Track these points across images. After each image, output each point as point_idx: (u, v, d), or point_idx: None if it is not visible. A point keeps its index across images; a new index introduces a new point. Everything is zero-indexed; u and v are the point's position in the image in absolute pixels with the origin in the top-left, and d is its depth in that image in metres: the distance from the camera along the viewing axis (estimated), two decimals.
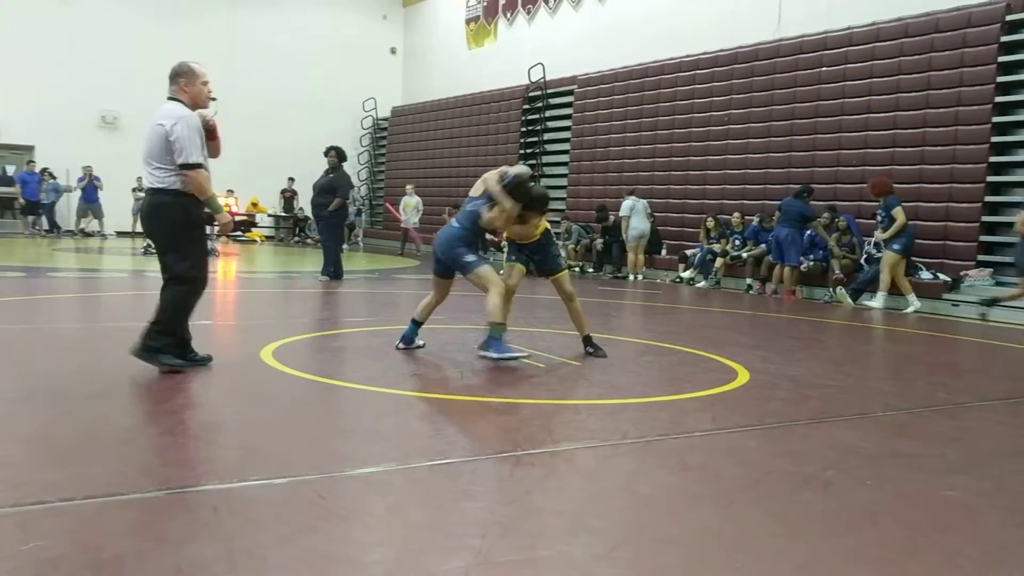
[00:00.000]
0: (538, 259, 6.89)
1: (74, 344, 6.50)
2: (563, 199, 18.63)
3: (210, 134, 5.70)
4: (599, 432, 4.45)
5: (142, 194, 23.00)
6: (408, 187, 21.93)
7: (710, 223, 14.51)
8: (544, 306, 10.91)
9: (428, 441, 4.17)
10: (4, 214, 22.69)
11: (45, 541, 2.74)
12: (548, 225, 6.93)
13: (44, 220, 21.58)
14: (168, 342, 5.48)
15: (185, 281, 5.48)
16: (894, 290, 11.60)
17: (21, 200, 21.23)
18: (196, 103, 5.54)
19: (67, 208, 21.89)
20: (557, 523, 3.12)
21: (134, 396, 5.01)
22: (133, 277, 13.57)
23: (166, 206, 5.39)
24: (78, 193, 21.64)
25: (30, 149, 21.87)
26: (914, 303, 11.40)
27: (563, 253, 16.36)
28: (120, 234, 22.42)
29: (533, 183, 6.66)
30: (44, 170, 21.10)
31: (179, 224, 5.42)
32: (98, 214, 21.97)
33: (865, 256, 12.41)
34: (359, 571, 2.68)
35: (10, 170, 22.36)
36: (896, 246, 11.53)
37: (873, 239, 12.23)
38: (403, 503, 3.29)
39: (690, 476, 3.78)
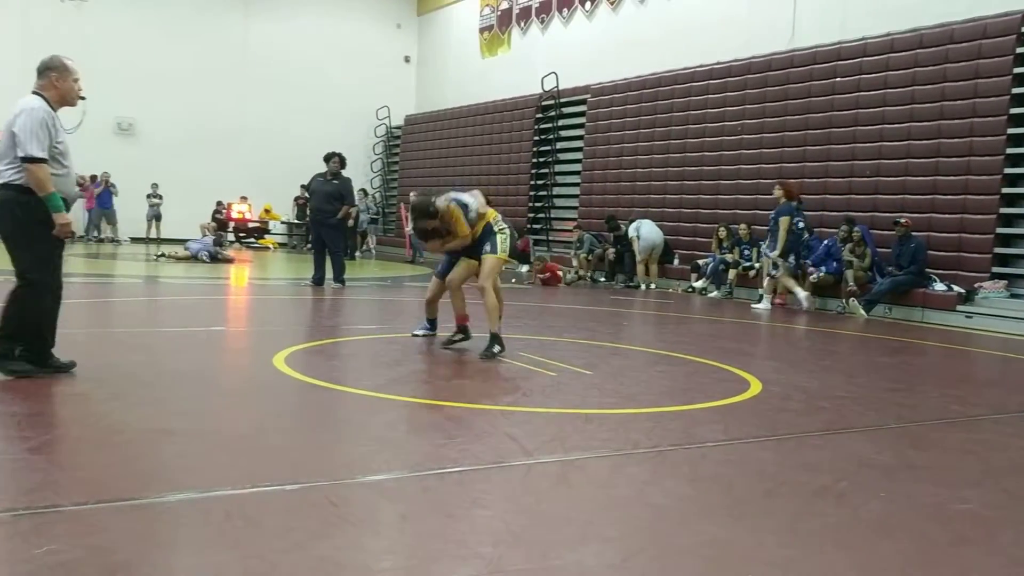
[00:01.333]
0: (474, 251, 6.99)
1: (85, 348, 6.53)
2: (575, 208, 18.63)
3: None
4: (611, 441, 4.44)
5: (157, 200, 23.10)
6: (411, 194, 21.94)
7: (722, 233, 14.47)
8: (555, 315, 10.92)
9: (439, 449, 4.16)
10: None
11: (58, 545, 2.75)
12: (493, 221, 7.00)
13: None
14: (17, 348, 5.16)
15: (28, 284, 5.16)
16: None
17: None
18: (64, 100, 5.27)
19: (80, 213, 22.00)
20: (569, 532, 3.11)
21: (142, 401, 5.03)
22: (146, 283, 13.65)
23: (9, 202, 5.06)
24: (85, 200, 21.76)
25: None
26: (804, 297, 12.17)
27: (575, 262, 16.36)
28: (135, 240, 22.54)
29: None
30: None
31: (20, 222, 5.06)
32: (112, 220, 22.10)
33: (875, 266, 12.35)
34: None
35: None
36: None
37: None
38: (414, 511, 3.29)
39: (702, 486, 3.77)
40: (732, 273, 14.03)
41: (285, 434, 4.44)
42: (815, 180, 13.74)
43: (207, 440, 4.19)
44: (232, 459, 3.87)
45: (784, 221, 12.18)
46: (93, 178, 20.62)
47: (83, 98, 5.42)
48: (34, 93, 5.21)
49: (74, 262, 16.31)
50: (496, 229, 6.95)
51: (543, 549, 2.94)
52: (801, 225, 12.42)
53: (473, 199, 7.05)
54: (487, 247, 6.91)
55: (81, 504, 3.12)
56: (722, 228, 14.51)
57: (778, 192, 12.45)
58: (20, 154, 4.96)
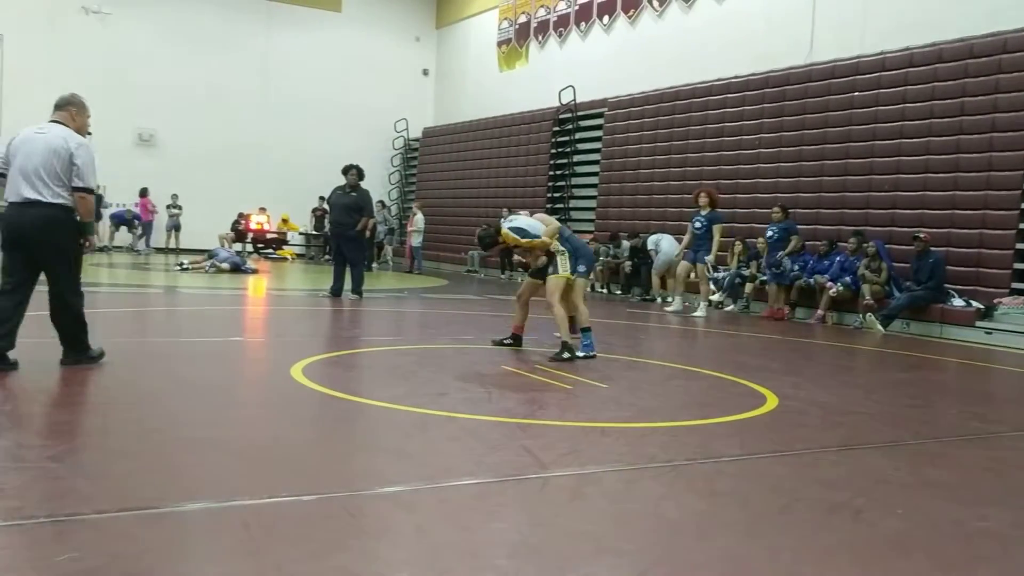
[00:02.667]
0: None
1: (111, 358, 6.59)
2: (592, 221, 18.65)
3: None
4: (627, 455, 4.44)
5: (176, 210, 23.32)
6: (414, 205, 22.19)
7: (738, 247, 14.44)
8: None
9: (456, 461, 4.18)
10: None
11: (79, 552, 2.79)
12: (558, 251, 7.71)
13: None
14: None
15: (78, 295, 5.98)
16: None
17: None
18: (80, 133, 5.94)
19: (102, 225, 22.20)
20: (584, 546, 3.12)
21: (163, 411, 5.07)
22: (166, 293, 13.75)
23: (69, 221, 5.80)
24: (113, 209, 22.02)
25: None
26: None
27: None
28: (157, 250, 22.72)
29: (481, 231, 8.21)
30: None
31: (74, 239, 5.87)
32: (134, 229, 22.37)
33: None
34: None
35: None
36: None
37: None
38: (431, 522, 3.30)
39: (718, 501, 3.76)
40: (749, 287, 14.00)
41: (303, 445, 4.47)
42: (833, 194, 13.71)
43: (226, 450, 4.22)
44: (251, 469, 3.90)
45: (718, 228, 12.68)
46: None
47: (90, 134, 6.16)
48: (56, 122, 5.90)
49: (98, 272, 16.46)
50: (557, 251, 7.66)
51: (558, 562, 2.95)
52: (698, 225, 12.90)
53: (532, 223, 7.82)
54: (551, 269, 7.67)
55: (102, 512, 3.15)
56: (739, 242, 14.49)
57: (705, 200, 12.86)
58: (80, 184, 5.75)
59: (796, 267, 13.19)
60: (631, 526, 3.40)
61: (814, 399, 6.45)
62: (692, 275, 13.13)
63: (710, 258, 12.84)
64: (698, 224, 12.87)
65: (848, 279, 12.46)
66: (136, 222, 22.50)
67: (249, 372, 6.91)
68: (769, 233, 13.36)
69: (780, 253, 13.09)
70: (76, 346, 6.02)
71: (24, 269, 5.76)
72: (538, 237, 7.64)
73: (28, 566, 2.69)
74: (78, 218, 5.81)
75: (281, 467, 3.93)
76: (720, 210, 13.14)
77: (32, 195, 5.67)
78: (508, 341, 8.00)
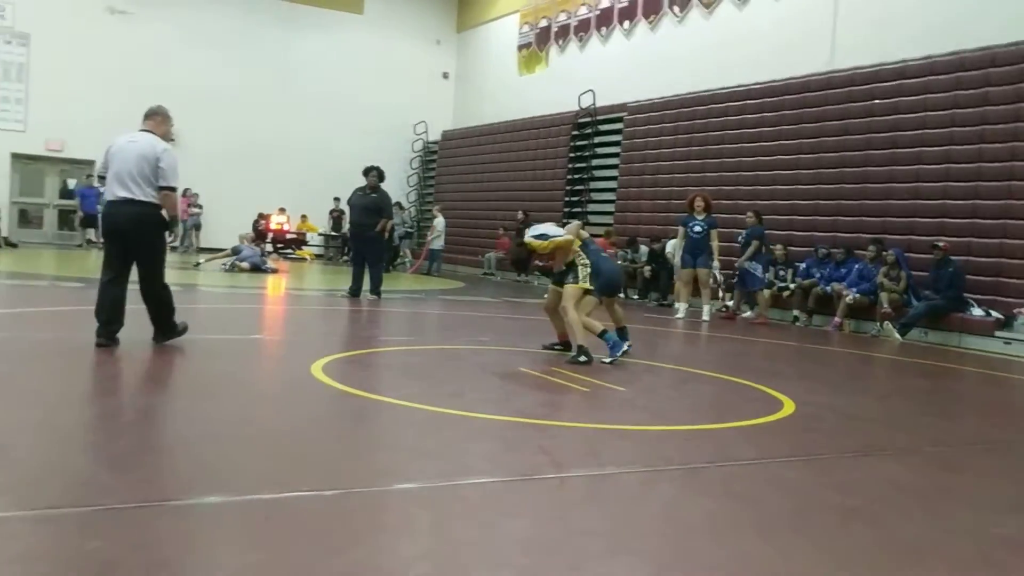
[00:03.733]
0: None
1: (122, 353, 6.67)
2: (610, 225, 18.62)
3: None
4: (643, 457, 4.47)
5: (197, 210, 23.52)
6: (435, 208, 22.30)
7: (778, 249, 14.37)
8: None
9: (473, 460, 4.22)
10: (64, 227, 23.31)
11: (103, 542, 2.84)
12: (580, 262, 7.73)
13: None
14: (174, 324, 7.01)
15: (164, 281, 6.95)
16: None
17: (80, 213, 21.81)
18: (164, 139, 6.90)
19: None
20: (600, 545, 3.14)
21: (187, 406, 5.14)
22: (186, 290, 13.86)
23: (159, 218, 6.81)
24: None
25: (91, 163, 22.46)
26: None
27: None
28: (172, 248, 22.87)
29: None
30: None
31: (160, 232, 6.95)
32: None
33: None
34: None
35: (71, 184, 22.97)
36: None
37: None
38: (448, 519, 3.34)
39: (734, 504, 3.78)
40: (767, 293, 13.96)
41: (323, 441, 4.52)
42: (851, 202, 13.67)
43: (248, 445, 4.27)
44: (272, 464, 3.95)
45: (715, 233, 12.94)
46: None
47: (172, 140, 7.19)
48: (145, 131, 6.88)
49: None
50: (579, 263, 7.68)
51: (574, 561, 2.97)
52: (698, 230, 13.05)
53: (554, 228, 7.94)
54: (570, 278, 7.68)
55: (125, 504, 3.21)
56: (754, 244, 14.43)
57: (702, 204, 13.07)
58: (164, 183, 6.69)
59: (766, 275, 13.48)
60: (646, 526, 3.42)
61: (830, 405, 6.45)
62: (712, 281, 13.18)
63: (715, 264, 12.96)
64: (698, 229, 12.96)
65: (866, 287, 12.43)
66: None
67: (270, 369, 6.97)
68: (697, 228, 13.26)
69: (740, 260, 13.32)
70: (164, 327, 6.93)
71: (123, 260, 6.77)
72: (559, 237, 7.67)
73: (53, 555, 2.74)
74: (164, 214, 6.78)
75: (301, 462, 3.98)
76: (725, 216, 13.36)
77: (126, 194, 6.62)
78: (558, 346, 8.00)
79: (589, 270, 7.65)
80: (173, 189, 6.80)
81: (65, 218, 23.23)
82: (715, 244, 12.91)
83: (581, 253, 7.74)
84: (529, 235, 7.88)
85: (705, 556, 3.13)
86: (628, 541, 3.21)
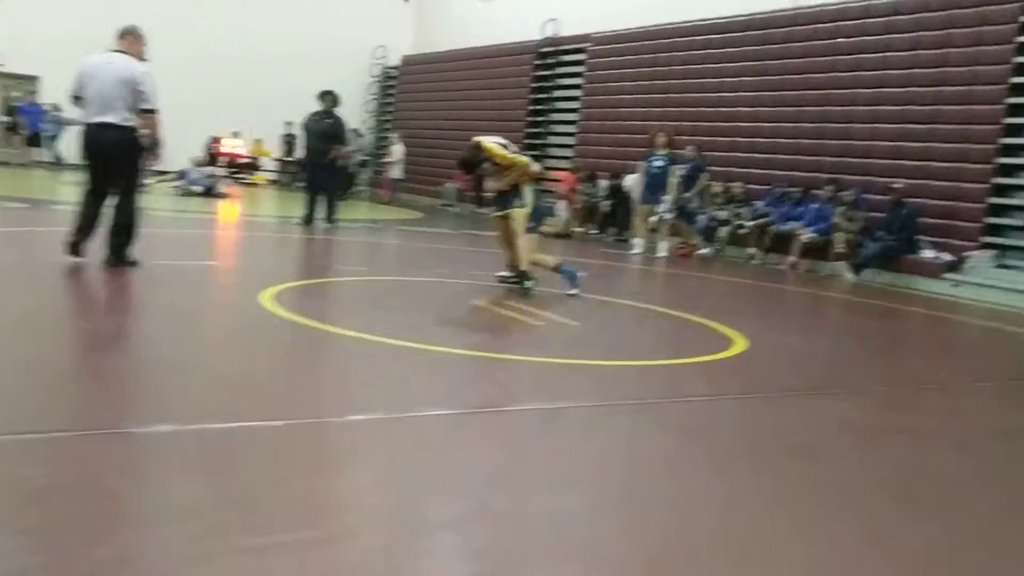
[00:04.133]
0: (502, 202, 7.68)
1: (72, 277, 6.51)
2: (570, 158, 18.52)
3: None
4: (596, 392, 4.47)
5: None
6: (394, 136, 21.99)
7: (716, 189, 14.41)
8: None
9: (427, 392, 4.18)
10: (8, 145, 22.56)
11: (49, 469, 2.77)
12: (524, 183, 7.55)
13: (46, 152, 21.43)
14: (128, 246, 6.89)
15: (134, 194, 6.98)
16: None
17: (25, 131, 21.11)
18: (138, 59, 6.85)
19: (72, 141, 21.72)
20: (552, 477, 3.15)
21: (135, 333, 5.03)
22: None
23: (134, 140, 6.80)
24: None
25: (33, 79, 21.68)
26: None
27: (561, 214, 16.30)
28: None
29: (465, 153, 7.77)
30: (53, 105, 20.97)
31: (139, 154, 6.93)
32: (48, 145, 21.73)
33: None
34: (359, 514, 2.70)
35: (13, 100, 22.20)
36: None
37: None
38: (400, 451, 3.31)
39: (687, 439, 3.81)
40: (724, 231, 14.02)
41: (274, 372, 4.45)
42: (811, 141, 13.70)
43: (193, 374, 4.19)
44: (219, 393, 3.88)
45: (675, 170, 13.01)
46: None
47: (146, 59, 7.02)
48: (119, 51, 6.84)
49: (64, 190, 16.17)
50: (526, 187, 7.54)
51: (527, 492, 2.97)
52: (659, 165, 13.04)
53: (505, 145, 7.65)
54: (516, 202, 7.49)
55: (69, 431, 3.13)
56: (716, 185, 14.46)
57: (663, 140, 13.07)
58: (147, 106, 6.73)
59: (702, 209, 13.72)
60: (600, 460, 3.43)
61: (782, 343, 6.52)
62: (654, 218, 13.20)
63: (668, 198, 12.98)
64: (659, 164, 12.95)
65: (822, 226, 12.52)
66: None
67: (220, 298, 6.85)
68: (658, 164, 13.27)
69: (688, 194, 13.36)
70: (120, 251, 6.81)
71: (102, 179, 6.79)
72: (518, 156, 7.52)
73: (2, 480, 2.67)
74: (142, 137, 6.80)
75: (250, 392, 3.92)
76: (681, 152, 13.36)
77: (106, 119, 6.63)
78: (512, 279, 7.77)
79: (530, 192, 7.52)
80: (155, 111, 6.80)
81: (9, 136, 22.46)
82: (673, 180, 12.89)
83: (524, 184, 7.57)
84: (488, 140, 7.54)
85: (657, 490, 3.15)
86: (580, 474, 3.22)
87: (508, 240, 7.69)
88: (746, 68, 14.96)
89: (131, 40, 6.95)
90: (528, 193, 7.50)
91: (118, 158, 6.78)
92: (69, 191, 15.84)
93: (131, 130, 6.74)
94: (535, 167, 7.72)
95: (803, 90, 13.93)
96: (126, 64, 6.74)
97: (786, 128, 14.10)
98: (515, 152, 7.65)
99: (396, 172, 21.06)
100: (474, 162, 7.58)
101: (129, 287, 6.49)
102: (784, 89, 14.25)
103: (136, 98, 6.69)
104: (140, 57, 6.91)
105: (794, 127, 13.99)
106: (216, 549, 2.30)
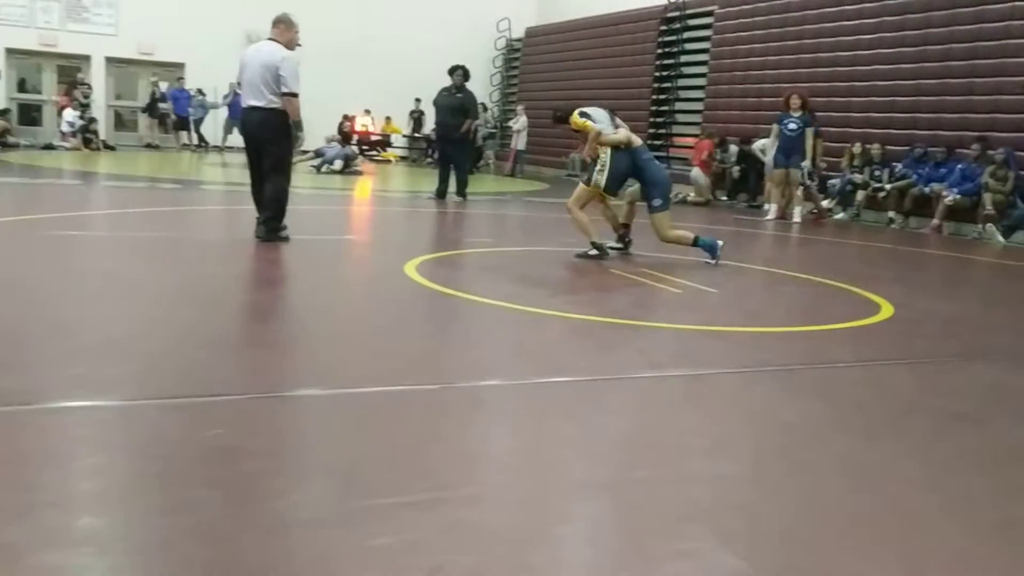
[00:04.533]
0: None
1: (225, 253, 6.88)
2: (698, 124, 18.19)
3: None
4: (740, 359, 4.45)
5: None
6: (518, 107, 21.98)
7: (856, 149, 13.87)
8: None
9: (568, 359, 4.26)
10: (158, 130, 23.85)
11: (222, 429, 2.98)
12: (601, 161, 7.70)
13: (193, 135, 22.53)
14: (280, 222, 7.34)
15: (285, 171, 7.42)
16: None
17: (172, 116, 22.22)
18: (289, 47, 7.31)
19: (214, 124, 22.76)
20: (698, 443, 3.17)
21: (290, 303, 5.29)
22: None
23: (279, 120, 7.21)
24: (225, 110, 22.46)
25: (180, 67, 22.77)
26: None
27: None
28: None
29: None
30: (198, 90, 22.04)
31: (286, 134, 7.29)
32: (195, 128, 22.69)
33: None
34: (507, 475, 2.80)
35: (163, 87, 23.38)
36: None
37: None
38: (546, 416, 3.39)
39: (832, 406, 3.75)
40: (861, 194, 13.53)
41: (421, 339, 4.62)
42: (958, 98, 13.00)
43: (348, 341, 4.40)
44: (373, 360, 4.05)
45: (810, 132, 12.50)
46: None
47: (300, 45, 7.54)
48: (270, 39, 7.31)
49: (211, 171, 16.99)
50: (599, 165, 7.66)
51: (673, 458, 3.01)
52: (792, 127, 12.58)
53: (602, 116, 7.86)
54: (584, 177, 7.87)
55: (240, 395, 3.36)
56: (856, 145, 13.93)
57: (798, 102, 12.57)
58: (286, 90, 7.13)
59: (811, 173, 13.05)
60: (745, 426, 3.43)
61: (930, 309, 6.29)
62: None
63: (806, 163, 12.55)
64: (792, 127, 12.52)
65: (968, 187, 11.92)
66: None
67: (364, 269, 7.11)
68: (792, 126, 12.73)
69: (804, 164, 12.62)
70: (272, 226, 7.26)
71: (256, 159, 7.34)
72: (599, 127, 7.63)
73: (180, 440, 2.89)
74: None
75: (401, 358, 4.07)
76: (821, 114, 12.82)
77: (252, 102, 7.20)
78: (619, 244, 7.99)
79: (606, 172, 7.58)
80: (295, 95, 7.17)
81: (160, 120, 23.71)
82: (810, 143, 12.48)
83: (603, 154, 7.63)
84: (579, 111, 7.85)
85: (805, 455, 3.12)
86: (725, 440, 3.23)
87: (606, 209, 8.11)
88: (885, 24, 14.31)
89: (281, 28, 7.37)
90: (603, 174, 7.58)
91: (263, 138, 7.24)
92: (214, 172, 16.66)
93: (275, 112, 7.16)
94: (612, 136, 7.68)
95: (948, 44, 13.22)
96: (271, 50, 7.18)
97: (929, 85, 13.43)
98: (617, 127, 7.81)
99: (520, 143, 21.15)
100: (561, 116, 8.13)
101: (281, 260, 6.82)
102: (928, 44, 13.56)
103: (277, 82, 7.10)
104: (290, 44, 7.35)
105: (939, 83, 13.31)
106: (379, 505, 2.43)
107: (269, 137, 7.25)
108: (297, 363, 3.92)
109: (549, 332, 4.82)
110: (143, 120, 22.55)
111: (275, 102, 7.16)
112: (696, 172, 15.69)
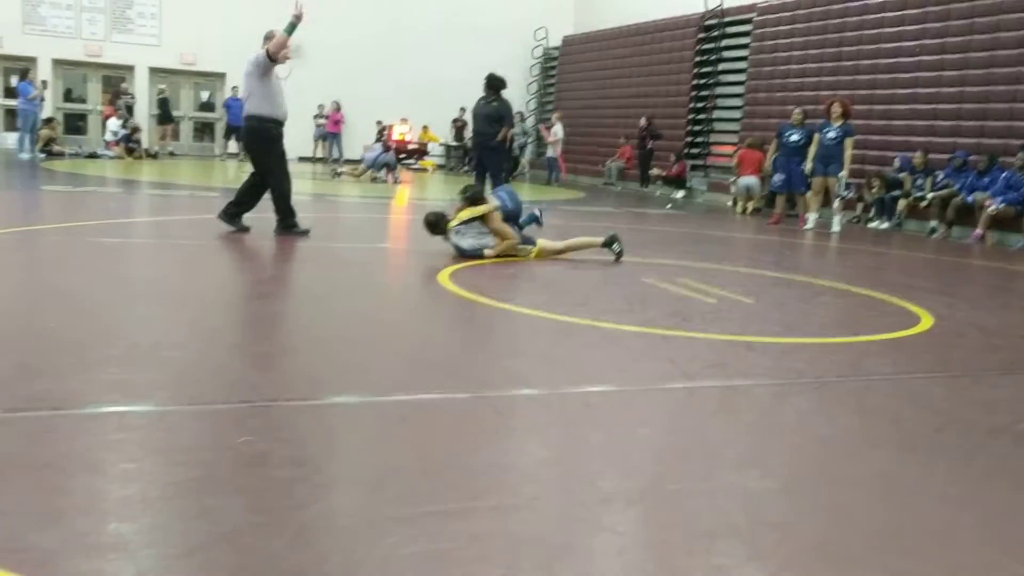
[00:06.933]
0: None
1: (257, 258, 6.95)
2: (736, 132, 18.07)
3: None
4: (773, 370, 4.39)
5: (323, 120, 23.95)
6: (553, 116, 21.99)
7: (896, 163, 13.70)
8: (713, 243, 10.77)
9: (601, 368, 4.24)
10: (202, 137, 24.18)
11: (254, 436, 3.00)
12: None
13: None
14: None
15: (278, 174, 8.12)
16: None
17: (225, 123, 22.45)
18: (275, 58, 7.91)
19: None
20: (730, 455, 3.13)
21: (323, 309, 5.32)
22: (314, 200, 14.24)
23: (256, 129, 7.99)
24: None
25: (222, 76, 23.08)
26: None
27: (732, 189, 15.91)
28: (302, 159, 23.43)
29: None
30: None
31: (274, 140, 8.05)
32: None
33: None
34: (536, 486, 2.79)
35: (203, 96, 23.71)
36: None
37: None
38: (577, 425, 3.38)
39: (869, 419, 3.69)
40: (902, 203, 13.34)
41: (453, 346, 4.63)
42: (1002, 105, 12.81)
43: (380, 348, 4.42)
44: (404, 367, 4.07)
45: (851, 141, 12.25)
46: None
47: (289, 58, 8.02)
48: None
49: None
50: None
51: (705, 470, 2.97)
52: (832, 135, 12.40)
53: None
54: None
55: (271, 401, 3.38)
56: (897, 159, 13.75)
57: (839, 110, 12.35)
58: (263, 49, 7.83)
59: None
60: (778, 439, 3.39)
61: (972, 321, 6.17)
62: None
63: (843, 173, 12.34)
64: (832, 135, 12.35)
65: (1013, 196, 11.70)
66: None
67: (399, 277, 7.15)
68: (795, 137, 12.96)
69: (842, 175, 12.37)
70: (286, 223, 7.96)
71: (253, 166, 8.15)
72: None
73: (212, 445, 2.92)
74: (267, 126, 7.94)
75: (433, 366, 4.09)
76: (854, 122, 12.62)
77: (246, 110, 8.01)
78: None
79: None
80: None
81: (202, 129, 24.05)
82: (848, 153, 12.31)
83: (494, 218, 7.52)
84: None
85: (839, 470, 3.07)
86: (760, 453, 3.19)
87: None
88: (928, 30, 14.13)
89: (264, 43, 7.99)
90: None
91: (248, 144, 8.30)
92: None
93: (258, 119, 7.87)
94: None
95: (992, 50, 13.02)
96: (250, 59, 7.97)
97: (973, 93, 13.23)
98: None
99: (556, 152, 21.16)
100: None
101: (316, 267, 6.87)
102: (970, 51, 13.37)
103: (255, 83, 7.90)
104: (275, 57, 7.90)
105: (983, 91, 13.10)
106: (408, 514, 2.43)
107: (254, 146, 8.03)
108: (329, 370, 3.94)
109: (581, 341, 4.80)
110: (157, 130, 22.63)
111: (259, 108, 7.82)
112: (751, 180, 15.29)
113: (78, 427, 3.00)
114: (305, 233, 7.99)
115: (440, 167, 24.80)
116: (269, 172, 7.95)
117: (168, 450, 2.87)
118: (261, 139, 7.90)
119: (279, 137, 8.03)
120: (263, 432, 3.06)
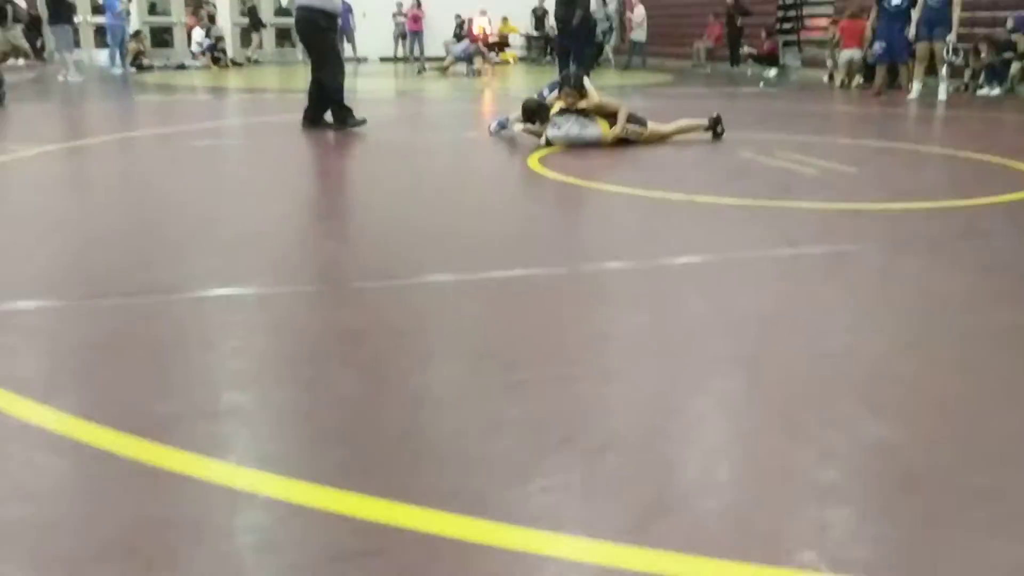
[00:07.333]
0: None
1: (355, 149, 6.96)
2: (831, 3, 17.10)
3: None
4: (884, 234, 4.20)
5: (402, 18, 23.55)
6: None
7: (1009, 23, 12.74)
8: (812, 116, 10.35)
9: (702, 240, 4.11)
10: (283, 43, 24.17)
11: (348, 315, 3.02)
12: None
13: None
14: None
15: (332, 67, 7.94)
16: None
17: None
18: None
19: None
20: (844, 318, 3.01)
21: (418, 195, 5.31)
22: (398, 96, 14.17)
23: (311, 20, 7.75)
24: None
25: None
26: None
27: (829, 63, 15.14)
28: (383, 59, 23.27)
29: None
30: None
31: (322, 32, 7.85)
32: (350, 39, 22.68)
33: None
34: (640, 351, 2.72)
35: (283, 2, 23.60)
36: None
37: None
38: (680, 294, 3.29)
39: (991, 277, 3.49)
40: (1015, 67, 12.47)
41: (548, 224, 4.60)
42: None
43: (475, 230, 4.37)
44: (500, 246, 4.01)
45: (958, 1, 11.22)
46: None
47: None
48: None
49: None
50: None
51: (818, 332, 2.86)
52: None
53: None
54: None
55: (369, 281, 3.39)
56: (1008, 19, 12.79)
57: None
58: None
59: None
60: (895, 300, 3.24)
61: None
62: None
63: (951, 37, 11.45)
64: None
65: None
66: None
67: (490, 163, 7.06)
68: (897, 0, 11.74)
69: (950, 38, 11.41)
70: (338, 116, 7.84)
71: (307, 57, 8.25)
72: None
73: (308, 326, 2.95)
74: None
75: (530, 244, 4.04)
76: None
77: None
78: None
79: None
80: None
81: (284, 35, 24.02)
82: (956, 14, 11.47)
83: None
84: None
85: (964, 326, 2.92)
86: (876, 314, 3.06)
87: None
88: None
89: None
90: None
91: (303, 33, 8.05)
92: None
93: (311, 10, 7.66)
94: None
95: None
96: None
97: None
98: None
99: (639, 35, 20.41)
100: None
101: (409, 156, 6.86)
102: None
103: None
104: None
105: None
106: (510, 380, 2.42)
107: (304, 38, 8.00)
108: (424, 252, 3.92)
109: (679, 216, 4.68)
110: (266, 35, 22.69)
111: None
112: (855, 52, 14.33)
113: (189, 309, 3.07)
114: (362, 122, 7.88)
115: (522, 59, 24.31)
116: (322, 64, 7.82)
117: (273, 328, 2.91)
118: (310, 28, 7.75)
119: (328, 29, 7.90)
120: (363, 311, 3.07)
